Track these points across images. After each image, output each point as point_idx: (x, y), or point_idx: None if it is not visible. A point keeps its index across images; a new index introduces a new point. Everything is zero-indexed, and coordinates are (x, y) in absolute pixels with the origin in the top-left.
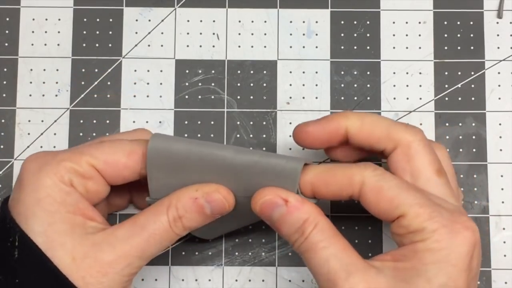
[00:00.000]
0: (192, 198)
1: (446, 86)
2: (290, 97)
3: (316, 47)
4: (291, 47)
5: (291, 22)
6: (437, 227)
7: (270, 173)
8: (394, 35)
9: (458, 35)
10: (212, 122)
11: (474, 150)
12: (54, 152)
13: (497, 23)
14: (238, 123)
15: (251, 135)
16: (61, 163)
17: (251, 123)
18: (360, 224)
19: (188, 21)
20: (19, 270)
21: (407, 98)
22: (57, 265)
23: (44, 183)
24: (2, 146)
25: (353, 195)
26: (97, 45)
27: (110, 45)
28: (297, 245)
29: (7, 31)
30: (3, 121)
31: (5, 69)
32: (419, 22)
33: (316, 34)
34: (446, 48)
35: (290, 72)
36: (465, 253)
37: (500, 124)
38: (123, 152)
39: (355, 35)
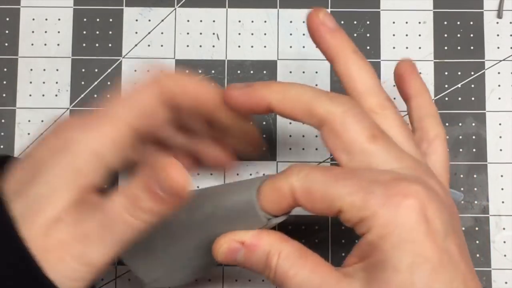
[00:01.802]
0: (144, 177)
1: (446, 86)
2: None
3: (316, 47)
4: (291, 47)
5: (291, 22)
6: (374, 212)
7: (230, 217)
8: (394, 35)
9: (458, 35)
10: None
11: (474, 150)
12: (91, 118)
13: (497, 23)
14: None
15: None
16: (100, 134)
17: (251, 123)
18: None
19: (188, 21)
20: None
21: None
22: (31, 248)
23: (71, 152)
24: (2, 146)
25: (293, 206)
26: (97, 45)
27: (110, 45)
28: (271, 280)
29: (7, 31)
30: (3, 121)
31: (5, 69)
32: (419, 22)
33: None
34: (446, 48)
35: (290, 72)
36: (416, 223)
37: (500, 124)
38: None
39: (355, 35)
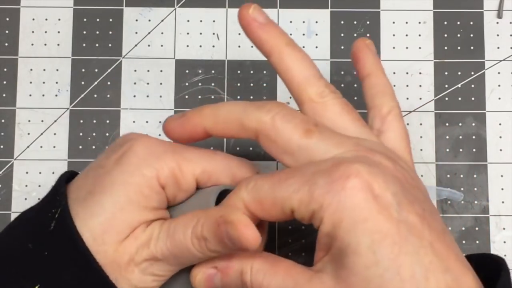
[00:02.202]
0: (216, 222)
1: (446, 86)
2: (290, 97)
3: (316, 47)
4: None
5: (291, 22)
6: (321, 202)
7: None
8: (394, 35)
9: (458, 35)
10: None
11: (474, 150)
12: (164, 145)
13: (497, 23)
14: None
15: None
16: (167, 161)
17: None
18: None
19: (188, 21)
20: (50, 243)
21: (407, 98)
22: (88, 246)
23: (139, 172)
24: (2, 146)
25: (255, 219)
26: (97, 45)
27: (110, 45)
28: None
29: (7, 31)
30: (3, 121)
31: (5, 69)
32: (419, 22)
33: (316, 34)
34: (446, 48)
35: None
36: (364, 201)
37: (500, 124)
38: (228, 176)
39: (355, 35)
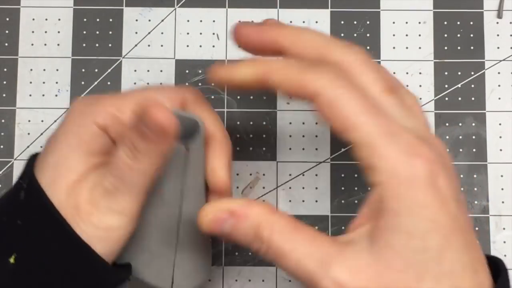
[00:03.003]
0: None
1: (446, 86)
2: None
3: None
4: None
5: (291, 22)
6: (394, 164)
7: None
8: (394, 35)
9: (458, 35)
10: None
11: (474, 150)
12: (102, 95)
13: (497, 23)
14: (238, 123)
15: (251, 135)
16: (104, 106)
17: (251, 123)
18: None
19: (188, 21)
20: (22, 212)
21: None
22: (57, 200)
23: (78, 122)
24: (2, 146)
25: (307, 101)
26: (97, 45)
27: (110, 45)
28: (262, 254)
29: (7, 31)
30: (3, 121)
31: (5, 69)
32: (419, 22)
33: None
34: (446, 48)
35: None
36: (430, 187)
37: (500, 124)
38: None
39: (355, 35)
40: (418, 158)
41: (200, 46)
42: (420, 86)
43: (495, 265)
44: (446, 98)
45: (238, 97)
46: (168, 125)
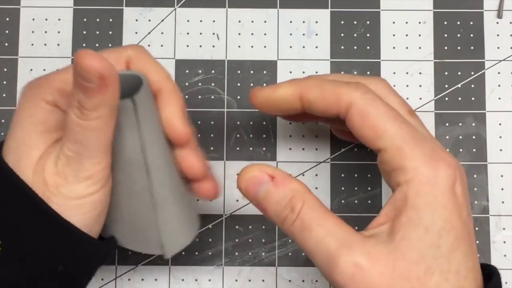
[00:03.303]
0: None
1: (446, 86)
2: None
3: (316, 47)
4: (291, 47)
5: (291, 22)
6: (418, 165)
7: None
8: (394, 35)
9: (458, 35)
10: (212, 122)
11: (474, 150)
12: (49, 73)
13: (497, 23)
14: (238, 123)
15: (251, 135)
16: (51, 83)
17: (251, 123)
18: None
19: (188, 21)
20: None
21: (407, 98)
22: (25, 180)
23: (28, 103)
24: None
25: (339, 115)
26: (97, 45)
27: (110, 45)
28: (288, 224)
29: (7, 31)
30: (3, 121)
31: (5, 69)
32: (419, 22)
33: (316, 34)
34: (446, 48)
35: (290, 72)
36: (448, 191)
37: (500, 124)
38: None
39: (355, 35)
40: (441, 162)
41: (200, 46)
42: (420, 86)
43: (488, 275)
44: (446, 98)
45: (238, 97)
46: (100, 67)
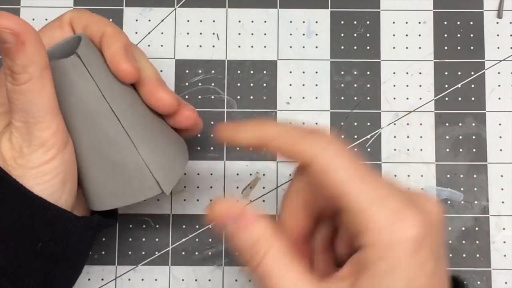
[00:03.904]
0: None
1: (446, 86)
2: (290, 97)
3: (316, 47)
4: (291, 47)
5: (291, 22)
6: (381, 228)
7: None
8: (394, 35)
9: (458, 35)
10: (212, 122)
11: (474, 150)
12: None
13: (497, 23)
14: None
15: None
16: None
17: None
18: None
19: (188, 21)
20: None
21: (407, 98)
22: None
23: None
24: None
25: (303, 165)
26: None
27: None
28: (250, 268)
29: None
30: None
31: None
32: (419, 22)
33: (316, 34)
34: (446, 48)
35: (290, 72)
36: (413, 251)
37: (500, 124)
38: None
39: (355, 35)
40: (404, 223)
41: (200, 46)
42: (420, 86)
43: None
44: (446, 98)
45: (238, 97)
46: (12, 24)
